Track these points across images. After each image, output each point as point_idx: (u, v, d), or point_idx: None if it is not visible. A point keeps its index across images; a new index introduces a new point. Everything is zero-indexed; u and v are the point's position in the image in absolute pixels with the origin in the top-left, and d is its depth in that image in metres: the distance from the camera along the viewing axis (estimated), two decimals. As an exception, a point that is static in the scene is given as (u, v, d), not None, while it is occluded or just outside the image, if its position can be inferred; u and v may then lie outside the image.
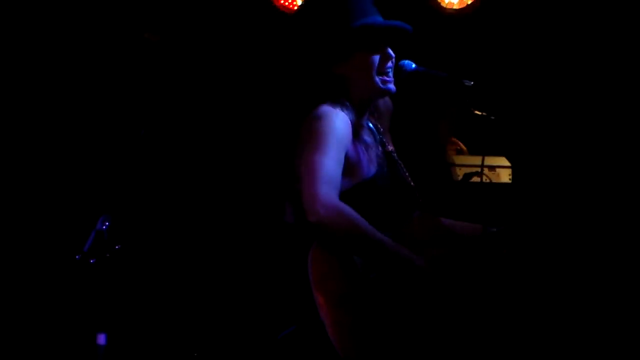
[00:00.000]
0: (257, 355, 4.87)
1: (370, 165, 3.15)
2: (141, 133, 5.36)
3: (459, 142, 5.35)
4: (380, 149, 3.25)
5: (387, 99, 3.32)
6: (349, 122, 3.07)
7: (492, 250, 3.24)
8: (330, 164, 2.95)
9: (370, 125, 3.28)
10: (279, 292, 3.19)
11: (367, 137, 3.21)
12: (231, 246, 5.43)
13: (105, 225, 4.03)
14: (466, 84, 3.23)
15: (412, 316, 3.00)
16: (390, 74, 3.19)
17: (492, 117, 3.28)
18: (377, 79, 3.16)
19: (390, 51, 3.19)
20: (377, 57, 3.16)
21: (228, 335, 5.24)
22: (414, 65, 3.27)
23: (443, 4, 5.43)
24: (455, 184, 4.71)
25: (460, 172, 4.73)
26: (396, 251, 2.98)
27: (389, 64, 3.19)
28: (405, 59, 3.30)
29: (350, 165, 3.08)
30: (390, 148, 3.33)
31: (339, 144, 3.01)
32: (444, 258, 3.12)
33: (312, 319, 2.92)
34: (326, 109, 3.05)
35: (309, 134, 3.00)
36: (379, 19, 3.21)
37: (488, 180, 4.57)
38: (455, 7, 5.42)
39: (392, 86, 3.19)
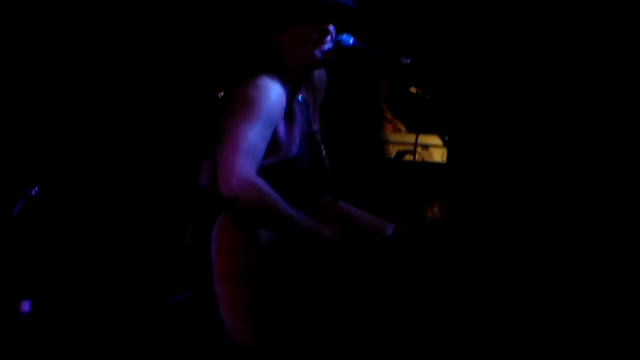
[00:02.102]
0: (145, 317, 4.83)
1: (293, 145, 3.11)
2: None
3: (398, 122, 5.34)
4: (306, 127, 3.22)
5: (322, 72, 3.29)
6: (285, 96, 3.04)
7: (401, 251, 3.21)
8: (255, 137, 2.89)
9: (300, 99, 3.25)
10: (180, 257, 3.13)
11: (297, 113, 3.18)
12: (147, 206, 5.36)
13: (35, 191, 3.98)
14: (403, 61, 3.22)
15: (311, 303, 2.98)
16: (329, 47, 3.16)
17: (427, 96, 3.28)
18: (313, 50, 3.13)
19: (331, 27, 3.17)
20: (315, 31, 3.13)
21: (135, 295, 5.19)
22: (351, 40, 3.25)
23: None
24: (387, 162, 4.72)
25: (393, 150, 4.74)
26: (311, 228, 2.97)
27: (328, 38, 3.16)
28: (344, 33, 3.28)
29: (275, 142, 3.03)
30: (316, 127, 3.29)
31: (269, 118, 2.95)
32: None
33: (208, 290, 2.87)
34: (265, 79, 3.00)
35: (242, 102, 2.94)
36: None
37: (421, 159, 4.58)
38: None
39: (330, 54, 3.17)
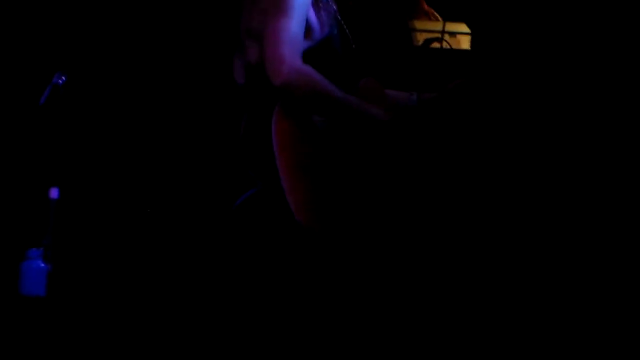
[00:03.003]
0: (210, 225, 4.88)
1: (324, 27, 3.14)
2: None
3: (434, 12, 5.27)
4: (330, 7, 3.23)
5: None
6: None
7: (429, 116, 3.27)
8: (294, 27, 2.95)
9: None
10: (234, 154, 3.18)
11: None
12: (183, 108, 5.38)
13: (62, 80, 3.99)
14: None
15: (372, 184, 3.04)
16: None
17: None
18: None
19: None
20: None
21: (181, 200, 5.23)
22: None
23: None
24: (415, 49, 4.67)
25: (421, 37, 4.69)
26: (360, 107, 3.02)
27: None
28: None
29: (308, 27, 3.06)
30: (335, 7, 3.30)
31: (302, 6, 3.00)
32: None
33: (271, 183, 2.92)
34: None
35: None
36: None
37: (448, 47, 4.53)
38: None
39: None
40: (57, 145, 4.36)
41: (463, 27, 4.71)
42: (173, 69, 5.44)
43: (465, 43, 4.69)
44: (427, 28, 4.76)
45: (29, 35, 5.25)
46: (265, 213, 3.02)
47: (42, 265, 3.91)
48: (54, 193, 4.03)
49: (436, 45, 4.45)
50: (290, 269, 3.05)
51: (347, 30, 3.27)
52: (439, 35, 4.47)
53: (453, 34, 4.68)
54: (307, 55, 3.01)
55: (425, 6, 5.28)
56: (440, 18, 5.19)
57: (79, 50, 5.14)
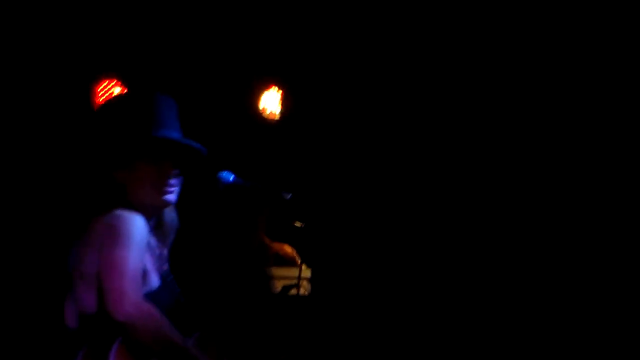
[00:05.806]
0: None
1: (155, 277, 3.07)
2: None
3: (281, 247, 5.26)
4: (159, 264, 3.16)
5: (174, 215, 3.23)
6: (146, 226, 2.99)
7: None
8: (134, 262, 2.84)
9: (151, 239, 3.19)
10: None
11: (153, 247, 3.13)
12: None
13: None
14: (285, 196, 3.23)
15: None
16: (172, 188, 3.10)
17: (311, 229, 3.30)
18: (155, 190, 3.07)
19: (174, 169, 3.10)
20: (157, 171, 3.07)
21: None
22: (232, 177, 3.23)
23: (265, 114, 5.43)
24: (274, 297, 4.68)
25: (279, 285, 4.70)
26: (199, 357, 2.93)
27: (172, 180, 3.09)
28: (228, 168, 3.27)
29: (145, 271, 2.99)
30: (166, 267, 3.23)
31: (140, 244, 2.90)
32: None
33: None
34: (124, 211, 2.96)
35: (111, 233, 2.86)
36: (174, 133, 3.09)
37: (305, 293, 4.56)
38: (277, 117, 5.44)
39: (171, 197, 3.07)
40: None
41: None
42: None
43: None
44: (285, 275, 4.77)
45: None
46: None
47: None
48: None
49: (294, 291, 4.48)
50: None
51: (177, 287, 3.20)
52: (296, 281, 4.50)
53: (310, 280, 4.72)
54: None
55: (269, 241, 5.26)
56: (288, 250, 5.18)
57: None
